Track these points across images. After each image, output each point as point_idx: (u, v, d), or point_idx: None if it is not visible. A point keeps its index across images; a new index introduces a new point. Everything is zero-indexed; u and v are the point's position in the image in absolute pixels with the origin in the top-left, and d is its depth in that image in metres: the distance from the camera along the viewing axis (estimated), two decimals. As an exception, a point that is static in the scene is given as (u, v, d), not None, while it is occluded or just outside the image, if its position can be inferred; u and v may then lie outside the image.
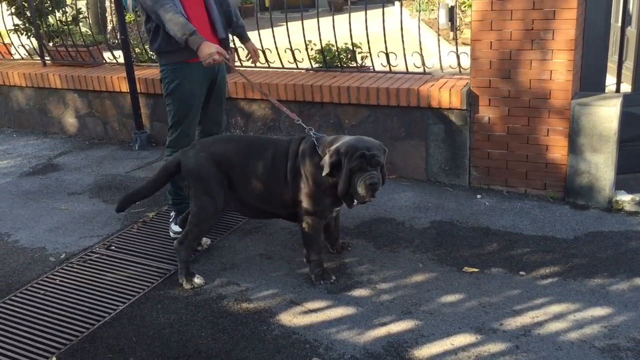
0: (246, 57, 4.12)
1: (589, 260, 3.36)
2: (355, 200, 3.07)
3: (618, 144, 3.90)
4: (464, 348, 2.71)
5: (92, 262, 3.61)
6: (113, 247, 3.78)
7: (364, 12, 4.52)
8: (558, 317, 2.89)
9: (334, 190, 3.08)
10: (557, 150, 4.01)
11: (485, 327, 2.84)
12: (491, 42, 3.97)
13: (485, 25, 3.95)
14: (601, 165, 3.88)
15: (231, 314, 3.04)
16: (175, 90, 3.61)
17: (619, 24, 5.81)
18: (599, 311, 2.92)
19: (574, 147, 3.94)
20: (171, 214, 3.93)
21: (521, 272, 3.28)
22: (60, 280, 3.43)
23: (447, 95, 4.17)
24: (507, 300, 3.04)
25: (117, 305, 3.16)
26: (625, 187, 4.06)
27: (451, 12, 10.99)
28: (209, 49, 3.35)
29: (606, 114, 3.79)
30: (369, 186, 2.90)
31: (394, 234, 3.77)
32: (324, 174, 2.98)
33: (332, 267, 3.40)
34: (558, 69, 3.85)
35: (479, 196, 4.22)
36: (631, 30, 5.55)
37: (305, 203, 3.13)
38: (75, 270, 3.54)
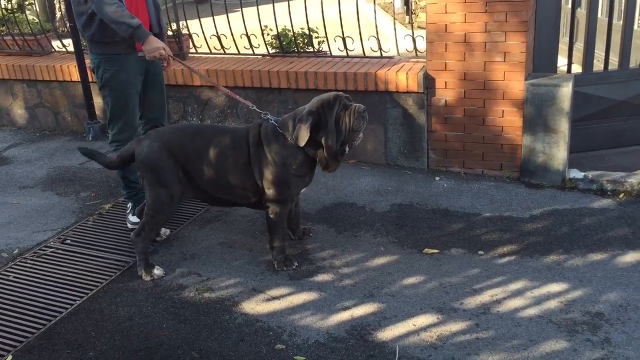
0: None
1: (544, 238, 3.44)
2: (347, 149, 3.11)
3: (571, 123, 3.99)
4: (426, 328, 2.75)
5: (47, 257, 3.52)
6: (68, 241, 3.68)
7: (319, -4, 4.49)
8: (516, 294, 2.95)
9: (303, 168, 3.12)
10: (512, 130, 4.08)
11: (446, 307, 2.88)
12: (446, 25, 3.99)
13: (440, 8, 3.97)
14: (554, 145, 3.97)
15: (193, 304, 3.00)
16: (110, 81, 3.51)
17: (569, 5, 5.93)
18: (555, 287, 2.99)
19: (528, 128, 4.01)
20: (128, 206, 3.85)
21: (480, 252, 3.33)
22: (14, 277, 3.33)
23: (404, 79, 4.18)
24: (467, 279, 3.09)
25: (75, 300, 3.08)
26: (578, 166, 4.17)
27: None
28: (155, 44, 3.33)
29: (559, 94, 3.86)
30: (362, 113, 3.03)
31: (355, 218, 3.78)
32: (302, 142, 2.98)
33: (295, 254, 3.39)
34: (512, 50, 3.90)
35: (437, 178, 4.26)
36: (581, 12, 5.67)
37: (272, 190, 3.10)
38: (30, 265, 3.44)
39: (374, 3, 4.81)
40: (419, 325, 2.77)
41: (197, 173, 3.16)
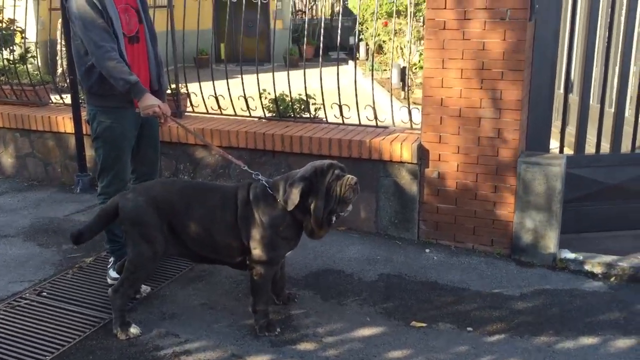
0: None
1: (534, 318, 3.35)
2: (334, 218, 3.05)
3: (562, 203, 3.98)
4: (410, 406, 2.62)
5: (20, 309, 3.38)
6: (44, 293, 3.55)
7: (318, 69, 4.57)
8: (505, 375, 2.84)
9: (290, 231, 3.06)
10: (504, 207, 4.06)
11: (432, 384, 2.76)
12: (442, 99, 4.05)
13: (436, 82, 4.03)
14: (546, 223, 3.94)
15: (168, 367, 2.86)
16: (104, 133, 3.51)
17: (562, 90, 6.07)
18: (545, 369, 2.89)
19: (520, 204, 3.99)
20: (110, 260, 3.75)
21: (468, 328, 3.23)
22: (-17, 328, 3.18)
23: (398, 149, 4.20)
24: (455, 356, 2.98)
25: (45, 356, 2.93)
26: (569, 247, 4.11)
27: (403, 72, 11.29)
28: (151, 101, 3.37)
29: (551, 173, 3.87)
30: (354, 185, 2.97)
31: (342, 285, 3.68)
32: (290, 206, 2.93)
33: (278, 319, 3.27)
34: (505, 127, 3.94)
35: (427, 250, 4.20)
36: (573, 97, 5.80)
37: (258, 250, 3.04)
38: (1, 317, 3.29)
39: (372, 76, 4.90)
40: (404, 402, 2.64)
41: (182, 229, 3.10)
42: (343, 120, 4.73)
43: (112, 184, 3.56)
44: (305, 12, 16.88)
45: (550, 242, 3.97)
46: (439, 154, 4.15)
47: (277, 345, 3.05)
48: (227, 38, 7.37)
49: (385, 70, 13.40)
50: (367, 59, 14.90)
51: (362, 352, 3.00)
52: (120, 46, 3.37)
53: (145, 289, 3.53)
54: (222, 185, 3.28)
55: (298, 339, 3.11)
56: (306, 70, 4.69)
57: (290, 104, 4.96)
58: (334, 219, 3.07)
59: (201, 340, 3.08)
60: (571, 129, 4.91)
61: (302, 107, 5.04)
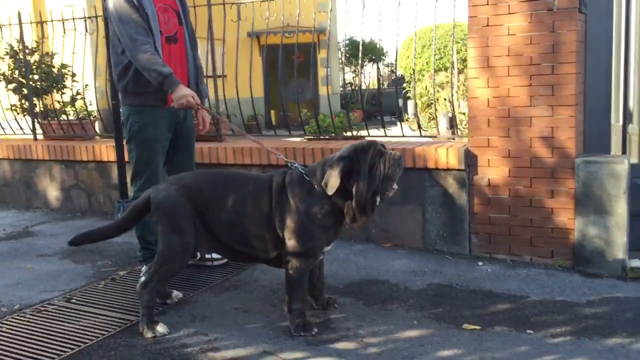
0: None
1: (605, 322, 2.96)
2: (378, 200, 2.82)
3: (629, 204, 3.61)
4: (464, 402, 2.28)
5: (47, 313, 3.22)
6: (74, 300, 3.40)
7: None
8: (574, 373, 2.47)
9: (329, 219, 2.85)
10: (563, 213, 3.73)
11: (488, 382, 2.42)
12: (489, 100, 3.83)
13: (482, 82, 3.83)
14: (612, 228, 3.58)
15: (193, 362, 2.62)
16: (137, 134, 3.46)
17: (620, 122, 5.74)
18: (621, 369, 2.50)
19: (581, 209, 3.65)
20: (142, 269, 3.59)
21: (528, 331, 2.88)
22: (8, 328, 3.03)
23: (444, 155, 3.96)
24: (513, 355, 2.63)
25: (65, 351, 2.74)
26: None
27: (451, 121, 11.11)
28: (184, 91, 3.29)
29: (614, 171, 3.55)
30: (398, 160, 2.79)
31: (387, 293, 3.39)
32: (331, 189, 2.75)
33: (316, 322, 2.99)
34: (560, 125, 3.66)
35: (480, 263, 3.86)
36: (633, 127, 5.45)
37: (293, 240, 2.82)
38: (27, 320, 3.14)
39: (414, 80, 4.74)
40: (456, 399, 2.31)
41: (215, 221, 2.92)
42: (385, 133, 4.55)
43: (144, 188, 3.43)
44: (353, 83, 17.13)
45: (618, 249, 3.59)
46: (488, 159, 3.89)
47: (313, 344, 2.77)
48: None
49: (434, 128, 13.25)
50: (415, 118, 14.81)
51: (408, 351, 2.68)
52: (156, 43, 3.34)
53: (176, 294, 3.33)
54: (257, 174, 3.13)
55: (337, 338, 2.83)
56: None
57: (331, 122, 4.84)
58: (378, 200, 2.84)
59: (231, 339, 2.83)
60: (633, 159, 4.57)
61: (345, 127, 4.91)
